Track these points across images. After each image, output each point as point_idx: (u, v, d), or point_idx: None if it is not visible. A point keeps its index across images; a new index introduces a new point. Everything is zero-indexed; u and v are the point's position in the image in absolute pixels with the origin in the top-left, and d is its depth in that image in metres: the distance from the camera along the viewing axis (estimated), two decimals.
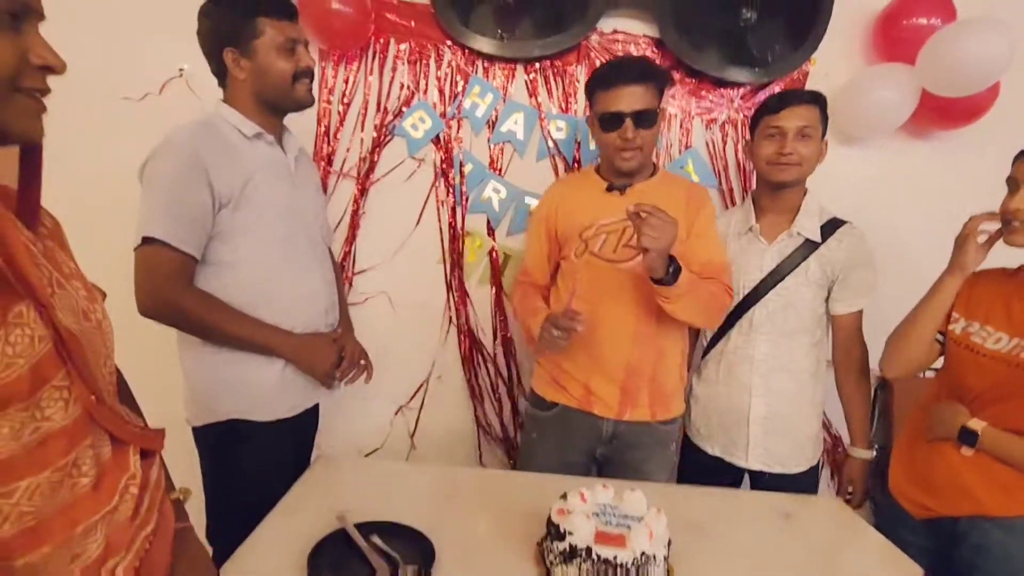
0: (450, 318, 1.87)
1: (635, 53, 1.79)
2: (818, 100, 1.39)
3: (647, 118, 1.31)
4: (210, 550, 1.17)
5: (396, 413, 1.89)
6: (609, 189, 1.40)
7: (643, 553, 0.90)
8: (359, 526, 1.01)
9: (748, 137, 1.50)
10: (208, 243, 1.16)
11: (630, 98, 1.29)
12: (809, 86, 1.82)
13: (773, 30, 1.77)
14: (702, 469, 1.51)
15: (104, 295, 0.70)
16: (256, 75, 1.20)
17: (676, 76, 1.80)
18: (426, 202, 1.81)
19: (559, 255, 1.46)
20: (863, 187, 1.88)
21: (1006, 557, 1.10)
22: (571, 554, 0.91)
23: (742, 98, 1.83)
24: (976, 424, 1.13)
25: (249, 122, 1.22)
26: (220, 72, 1.23)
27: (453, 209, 1.81)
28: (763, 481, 1.45)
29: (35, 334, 0.55)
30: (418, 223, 1.82)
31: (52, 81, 0.57)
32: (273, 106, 1.25)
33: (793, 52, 1.76)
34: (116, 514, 0.64)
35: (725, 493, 1.31)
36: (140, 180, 1.15)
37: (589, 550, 0.90)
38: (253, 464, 1.23)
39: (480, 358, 1.90)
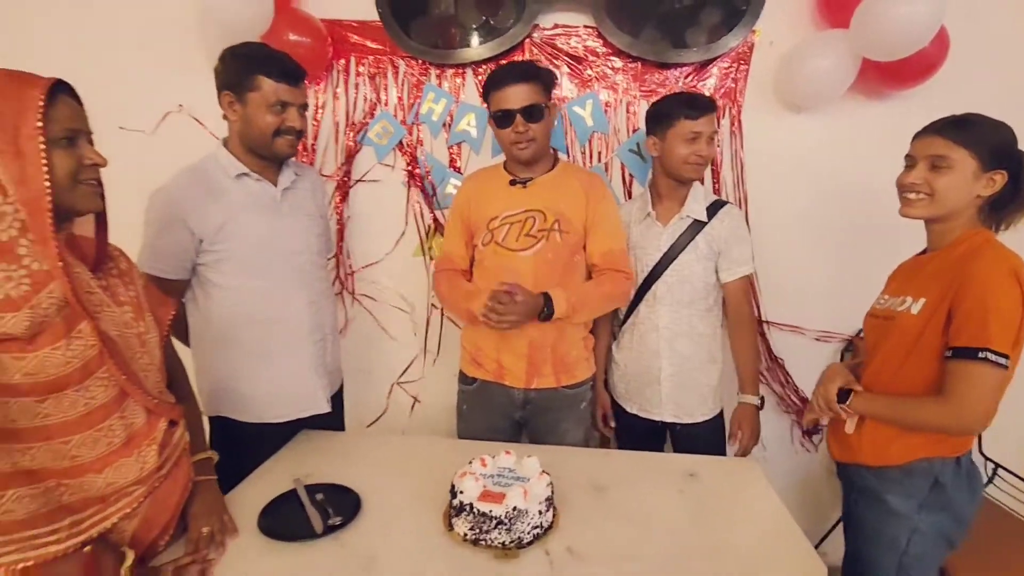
0: (433, 304, 2.09)
1: (577, 44, 1.87)
2: (716, 108, 1.57)
3: (535, 112, 1.47)
4: None
5: (389, 392, 2.15)
6: (512, 183, 1.56)
7: (515, 508, 1.09)
8: (308, 487, 1.27)
9: (648, 131, 1.61)
10: (202, 268, 1.38)
11: (517, 95, 1.45)
12: (755, 57, 1.84)
13: (713, 5, 1.78)
14: (628, 426, 1.73)
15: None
16: (244, 122, 1.36)
17: (619, 63, 1.87)
18: (408, 202, 2.02)
19: (472, 243, 1.62)
20: (818, 153, 1.89)
21: (879, 500, 1.25)
22: (460, 509, 1.12)
23: (687, 77, 1.87)
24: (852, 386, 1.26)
25: (237, 163, 1.39)
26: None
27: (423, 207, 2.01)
28: (676, 431, 1.66)
29: (87, 343, 0.89)
30: (407, 224, 2.02)
31: None
32: (256, 153, 1.39)
33: (734, 26, 1.77)
34: (140, 461, 0.98)
35: (640, 456, 1.46)
36: None
37: (471, 505, 1.11)
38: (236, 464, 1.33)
39: None
